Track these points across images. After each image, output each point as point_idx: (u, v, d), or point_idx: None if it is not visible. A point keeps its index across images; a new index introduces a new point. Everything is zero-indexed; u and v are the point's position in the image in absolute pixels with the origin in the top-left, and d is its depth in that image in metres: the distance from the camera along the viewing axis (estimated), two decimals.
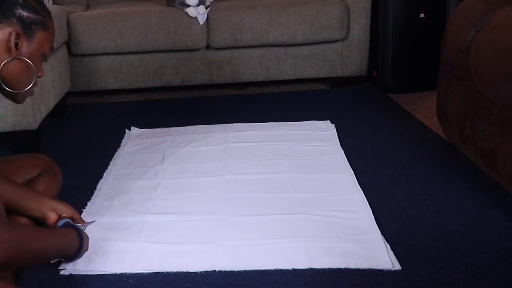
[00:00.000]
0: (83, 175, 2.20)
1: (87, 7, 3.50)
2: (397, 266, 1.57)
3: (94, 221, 1.75)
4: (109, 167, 2.31)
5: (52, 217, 1.57)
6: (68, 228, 1.57)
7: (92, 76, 3.21)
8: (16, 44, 1.38)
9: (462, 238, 1.71)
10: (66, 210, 1.60)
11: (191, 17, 3.11)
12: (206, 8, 3.16)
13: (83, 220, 1.67)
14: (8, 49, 1.38)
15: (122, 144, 2.57)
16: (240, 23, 3.15)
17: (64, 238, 1.53)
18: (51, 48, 1.50)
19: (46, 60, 1.50)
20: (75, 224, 1.62)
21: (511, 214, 1.83)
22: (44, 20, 1.44)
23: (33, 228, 1.52)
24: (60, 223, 1.57)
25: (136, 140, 2.61)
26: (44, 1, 3.17)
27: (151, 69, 3.22)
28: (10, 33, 1.37)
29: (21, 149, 2.40)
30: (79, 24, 3.07)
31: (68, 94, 3.08)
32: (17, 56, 1.39)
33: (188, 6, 3.12)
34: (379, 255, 1.61)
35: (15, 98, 1.47)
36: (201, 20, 3.12)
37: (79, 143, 2.64)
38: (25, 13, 1.39)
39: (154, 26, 3.10)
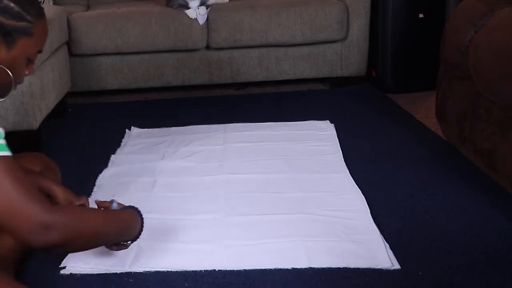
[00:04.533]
0: (83, 175, 2.20)
1: (88, 8, 3.50)
2: (396, 266, 1.57)
3: None
4: (109, 165, 2.31)
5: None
6: (130, 210, 1.54)
7: (93, 76, 3.21)
8: None
9: (461, 238, 1.71)
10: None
11: (191, 18, 3.12)
12: (207, 8, 3.16)
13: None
14: None
15: (122, 144, 2.57)
16: (240, 23, 3.15)
17: (124, 220, 1.50)
18: (39, 51, 1.40)
19: (32, 63, 1.42)
20: None
21: (510, 214, 1.83)
22: (28, 27, 1.32)
23: (86, 209, 1.50)
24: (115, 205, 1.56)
25: (136, 140, 2.61)
26: (44, 2, 3.19)
27: (151, 69, 3.22)
28: None
29: (22, 149, 2.40)
30: (79, 25, 3.08)
31: (69, 94, 3.09)
32: None
33: (188, 8, 3.12)
34: (379, 255, 1.62)
35: None
36: (201, 20, 3.12)
37: (79, 143, 2.64)
38: (4, 20, 1.28)
39: (154, 26, 3.11)
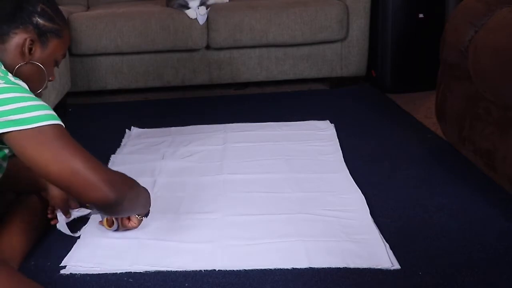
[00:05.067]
0: None
1: (88, 8, 3.51)
2: (396, 266, 1.57)
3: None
4: (109, 165, 2.31)
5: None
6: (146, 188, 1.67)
7: (92, 76, 3.21)
8: (30, 49, 1.46)
9: (461, 237, 1.71)
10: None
11: (191, 18, 3.12)
12: (207, 8, 3.17)
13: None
14: (22, 54, 1.45)
15: (122, 144, 2.57)
16: (240, 23, 3.16)
17: (147, 195, 1.66)
18: (64, 55, 1.57)
19: (57, 66, 1.58)
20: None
21: (509, 213, 1.83)
22: (59, 29, 1.52)
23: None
24: None
25: (136, 140, 2.61)
26: None
27: (151, 69, 3.22)
28: (25, 39, 1.44)
29: None
30: (79, 25, 3.08)
31: (69, 94, 3.09)
32: (30, 61, 1.47)
33: (188, 8, 3.13)
34: (378, 254, 1.62)
35: None
36: (201, 20, 3.13)
37: (79, 143, 2.63)
38: (41, 21, 1.47)
39: (154, 26, 3.11)
